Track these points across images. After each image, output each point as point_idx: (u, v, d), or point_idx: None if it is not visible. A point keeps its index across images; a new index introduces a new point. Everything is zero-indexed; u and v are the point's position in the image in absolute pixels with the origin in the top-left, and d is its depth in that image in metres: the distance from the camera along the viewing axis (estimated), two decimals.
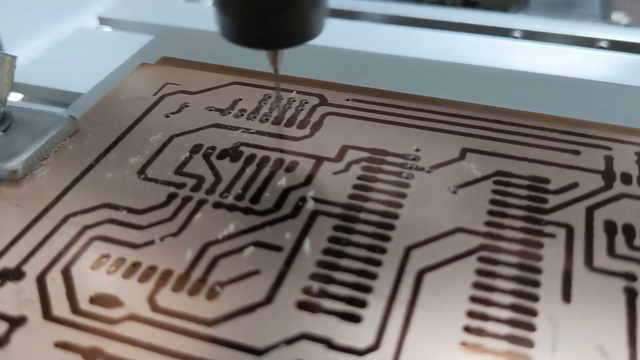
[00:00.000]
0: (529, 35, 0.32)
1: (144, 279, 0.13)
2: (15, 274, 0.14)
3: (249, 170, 0.16)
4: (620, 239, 0.14)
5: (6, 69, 0.18)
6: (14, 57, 0.18)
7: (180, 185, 0.16)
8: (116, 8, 0.33)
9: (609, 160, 0.16)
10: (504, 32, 0.32)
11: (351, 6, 0.35)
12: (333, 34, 0.21)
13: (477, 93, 0.20)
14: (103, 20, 0.33)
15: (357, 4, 0.36)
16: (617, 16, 0.42)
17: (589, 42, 0.31)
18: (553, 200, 0.15)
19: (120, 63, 0.23)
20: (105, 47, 0.30)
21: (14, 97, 0.27)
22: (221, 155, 0.17)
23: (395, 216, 0.15)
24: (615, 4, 0.45)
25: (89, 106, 0.19)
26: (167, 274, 0.14)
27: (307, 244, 0.14)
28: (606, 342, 0.12)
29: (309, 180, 0.16)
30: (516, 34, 0.33)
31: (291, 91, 0.19)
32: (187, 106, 0.19)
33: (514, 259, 0.14)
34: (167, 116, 0.18)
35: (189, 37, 0.24)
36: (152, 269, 0.14)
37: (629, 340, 0.12)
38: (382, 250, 0.14)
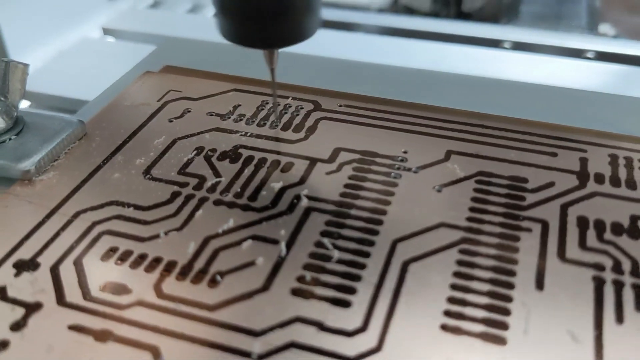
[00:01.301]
0: (518, 46, 0.33)
1: (150, 269, 0.15)
2: (30, 265, 0.15)
3: (247, 171, 0.17)
4: (591, 233, 0.15)
5: (19, 76, 0.19)
6: (26, 65, 0.19)
7: (183, 184, 0.17)
8: (119, 19, 0.35)
9: (584, 161, 0.18)
10: (494, 43, 0.34)
11: (346, 17, 0.37)
12: (328, 45, 0.23)
13: (463, 100, 0.21)
14: (106, 31, 0.34)
15: (352, 15, 0.37)
16: (604, 28, 0.44)
17: (577, 53, 0.33)
18: (530, 198, 0.16)
19: (124, 72, 0.24)
20: (109, 56, 0.31)
21: (21, 104, 0.28)
22: (221, 157, 0.18)
23: (383, 212, 0.16)
24: (602, 16, 0.47)
25: (95, 112, 0.21)
26: (171, 265, 0.15)
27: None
28: (575, 325, 0.13)
29: (303, 180, 0.17)
30: (506, 45, 0.34)
31: (287, 97, 0.20)
32: (189, 111, 0.20)
33: (492, 251, 0.15)
34: (171, 121, 0.20)
35: (190, 47, 0.25)
36: (158, 260, 0.15)
37: (595, 323, 0.13)
38: (371, 243, 0.15)
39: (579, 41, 0.34)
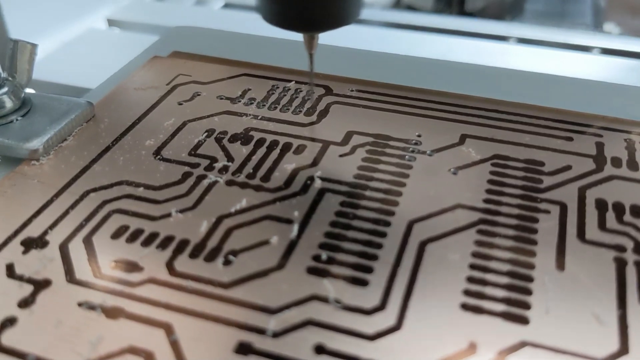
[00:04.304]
0: (524, 42, 0.33)
1: (162, 247, 0.14)
2: (39, 242, 0.14)
3: (259, 153, 0.17)
4: (610, 215, 0.15)
5: (27, 56, 0.18)
6: (34, 45, 0.19)
7: (195, 165, 0.17)
8: (125, 10, 0.34)
9: (600, 146, 0.17)
10: (500, 39, 0.34)
11: None
12: (338, 36, 0.22)
13: (474, 88, 0.21)
14: (112, 22, 0.34)
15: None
16: (608, 27, 0.44)
17: (583, 49, 0.32)
18: (547, 181, 0.16)
19: (130, 60, 0.24)
20: (115, 46, 0.31)
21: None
22: (232, 139, 0.18)
23: (398, 194, 0.16)
24: (607, 15, 0.47)
25: (102, 96, 0.20)
26: (184, 243, 0.14)
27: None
28: (598, 304, 0.13)
29: (316, 162, 0.17)
30: (511, 41, 0.34)
31: (290, 81, 0.20)
32: (198, 95, 0.20)
33: (510, 232, 0.14)
34: (180, 104, 0.19)
35: (198, 36, 0.25)
36: (170, 239, 0.14)
37: (618, 303, 0.13)
38: (387, 224, 0.15)
39: (585, 38, 0.34)
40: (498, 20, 0.41)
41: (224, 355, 0.12)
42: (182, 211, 0.15)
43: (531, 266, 0.14)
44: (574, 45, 0.33)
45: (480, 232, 0.14)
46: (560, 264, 0.14)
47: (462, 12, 0.46)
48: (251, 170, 0.16)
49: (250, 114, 0.19)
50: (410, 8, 0.45)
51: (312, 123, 0.18)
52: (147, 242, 0.14)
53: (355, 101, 0.19)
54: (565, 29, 0.37)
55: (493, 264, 0.14)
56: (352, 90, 0.20)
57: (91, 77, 0.26)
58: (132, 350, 0.12)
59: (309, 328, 0.12)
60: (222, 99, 0.20)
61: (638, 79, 0.27)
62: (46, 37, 0.31)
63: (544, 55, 0.30)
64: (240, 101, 0.19)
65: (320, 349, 0.12)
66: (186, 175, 0.16)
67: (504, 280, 0.13)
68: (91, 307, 0.13)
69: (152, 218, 0.15)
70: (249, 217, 0.15)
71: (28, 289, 0.13)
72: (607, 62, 0.29)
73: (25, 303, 0.13)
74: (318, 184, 0.16)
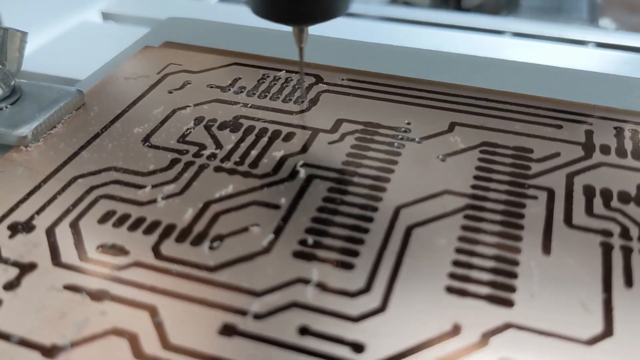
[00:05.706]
0: (520, 37, 0.33)
1: (148, 231, 0.14)
2: (25, 227, 0.14)
3: (248, 140, 0.17)
4: (598, 201, 0.15)
5: (17, 44, 0.18)
6: (25, 33, 0.19)
7: (183, 152, 0.17)
8: (119, 4, 0.34)
9: (589, 133, 0.17)
10: (496, 33, 0.34)
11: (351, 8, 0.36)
12: (333, 29, 0.22)
13: (468, 78, 0.21)
14: (106, 16, 0.34)
15: (356, 7, 0.37)
16: (604, 22, 0.44)
17: (578, 44, 0.32)
18: (536, 168, 0.16)
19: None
20: (108, 39, 0.31)
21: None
22: (222, 127, 0.18)
23: (386, 180, 0.16)
24: (603, 11, 0.47)
25: (93, 85, 0.20)
26: (170, 228, 0.14)
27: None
28: (583, 288, 0.13)
29: (305, 149, 0.17)
30: (506, 36, 0.34)
31: (281, 70, 0.20)
32: (189, 83, 0.20)
33: (497, 217, 0.14)
34: (170, 92, 0.19)
35: (190, 26, 0.25)
36: (156, 223, 0.14)
37: (604, 286, 0.13)
38: (374, 209, 0.15)
39: (581, 32, 0.33)
40: (494, 16, 0.41)
41: (208, 336, 0.12)
42: (169, 197, 0.15)
43: (517, 250, 0.14)
44: (570, 40, 0.33)
45: (467, 217, 0.14)
46: (547, 249, 0.14)
47: (459, 8, 0.46)
48: (239, 158, 0.16)
49: (240, 102, 0.19)
50: (407, 4, 0.45)
51: (302, 111, 0.18)
52: (133, 227, 0.14)
53: (346, 90, 0.19)
54: (561, 24, 0.37)
55: (479, 248, 0.14)
56: (342, 79, 0.20)
57: (83, 69, 0.26)
58: (117, 332, 0.12)
59: (294, 310, 0.12)
60: (212, 87, 0.20)
61: (631, 71, 0.27)
62: (39, 30, 0.31)
63: (538, 47, 0.30)
64: (230, 90, 0.19)
65: (304, 330, 0.12)
66: (174, 162, 0.16)
67: (490, 264, 0.13)
68: (76, 289, 0.13)
69: (139, 203, 0.15)
70: (236, 202, 0.15)
71: (13, 272, 0.13)
72: (601, 55, 0.29)
73: (10, 286, 0.13)
74: (302, 172, 0.16)
